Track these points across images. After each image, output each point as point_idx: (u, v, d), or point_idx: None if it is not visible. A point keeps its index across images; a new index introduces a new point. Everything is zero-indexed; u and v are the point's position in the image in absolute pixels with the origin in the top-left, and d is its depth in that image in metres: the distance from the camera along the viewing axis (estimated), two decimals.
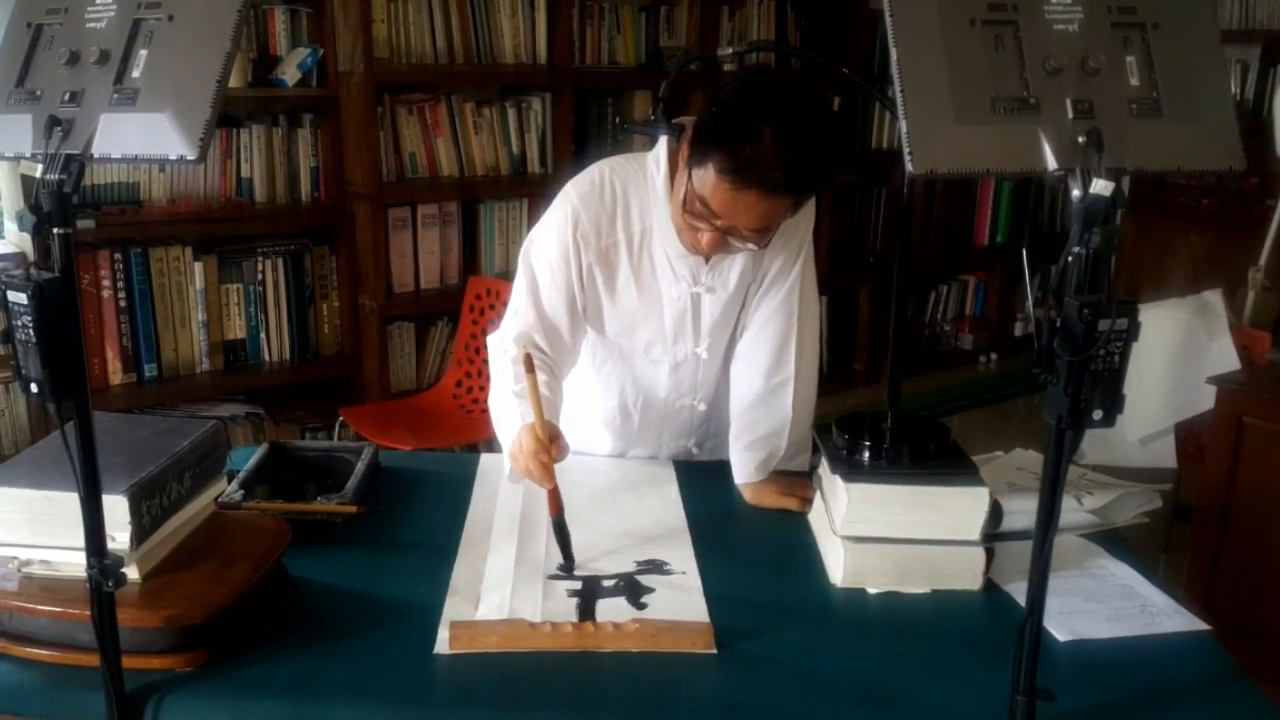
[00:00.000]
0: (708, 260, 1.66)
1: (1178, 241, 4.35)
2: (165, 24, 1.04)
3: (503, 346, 1.70)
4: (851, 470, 1.43)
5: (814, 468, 1.67)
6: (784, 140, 1.43)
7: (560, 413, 1.66)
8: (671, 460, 1.87)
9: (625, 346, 1.77)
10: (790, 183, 1.45)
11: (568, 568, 1.46)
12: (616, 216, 1.67)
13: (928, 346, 5.06)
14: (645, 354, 1.77)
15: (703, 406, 1.83)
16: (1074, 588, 1.42)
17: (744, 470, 1.72)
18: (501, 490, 1.69)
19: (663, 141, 1.64)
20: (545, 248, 1.69)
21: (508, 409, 1.61)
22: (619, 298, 1.71)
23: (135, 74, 1.03)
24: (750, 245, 1.55)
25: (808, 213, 1.68)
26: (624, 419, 1.84)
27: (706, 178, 1.47)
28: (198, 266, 3.28)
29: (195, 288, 3.29)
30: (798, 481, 1.70)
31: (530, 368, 1.45)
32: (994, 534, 1.43)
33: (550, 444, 1.48)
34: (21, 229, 1.01)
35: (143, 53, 1.04)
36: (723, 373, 1.80)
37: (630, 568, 1.46)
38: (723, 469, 1.76)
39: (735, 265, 1.69)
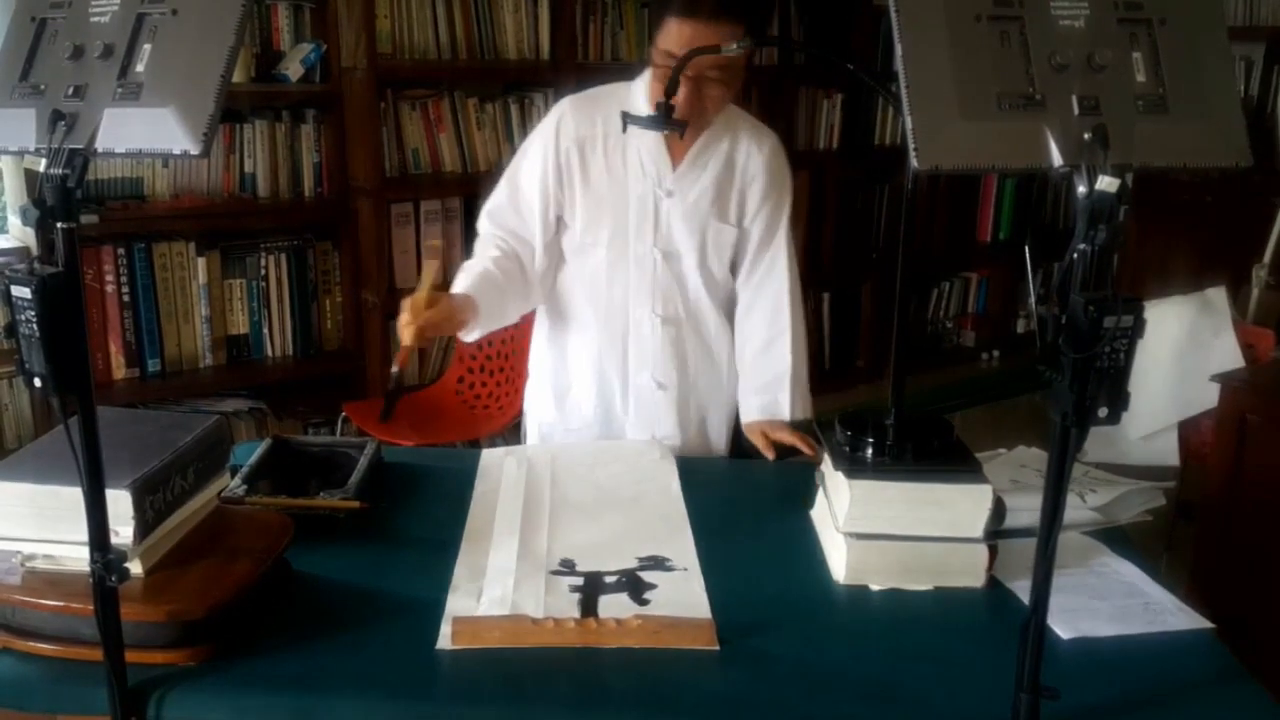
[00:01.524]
0: (682, 135, 1.80)
1: (1181, 238, 4.33)
2: (169, 18, 1.04)
3: (481, 225, 1.95)
4: (854, 467, 1.43)
5: (817, 464, 1.67)
6: None
7: (500, 286, 1.85)
8: (656, 439, 1.95)
9: (591, 243, 1.92)
10: (731, 3, 1.65)
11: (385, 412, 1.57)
12: (597, 115, 1.87)
13: (930, 343, 5.06)
14: (609, 248, 1.91)
15: (665, 324, 1.95)
16: (1077, 585, 1.42)
17: (750, 410, 1.96)
18: (504, 486, 1.69)
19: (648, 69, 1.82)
20: (532, 139, 1.92)
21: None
22: (591, 186, 1.89)
23: (139, 68, 1.03)
24: (719, 89, 1.74)
25: (784, 188, 1.94)
26: (599, 345, 1.97)
27: (666, 31, 1.69)
28: (201, 262, 3.28)
29: (198, 283, 3.29)
30: (781, 426, 1.91)
31: (434, 255, 1.69)
32: (997, 531, 1.43)
33: (434, 305, 1.67)
34: (25, 223, 1.01)
35: (147, 47, 1.04)
36: (687, 306, 1.95)
37: (632, 564, 1.46)
38: (724, 466, 1.76)
39: (697, 183, 1.88)
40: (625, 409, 2.00)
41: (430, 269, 1.66)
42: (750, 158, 1.90)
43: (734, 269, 1.99)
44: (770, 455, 1.87)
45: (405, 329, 1.66)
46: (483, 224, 1.96)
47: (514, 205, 1.92)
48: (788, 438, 1.88)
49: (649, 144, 1.85)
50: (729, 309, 2.01)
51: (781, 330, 1.95)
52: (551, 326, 2.04)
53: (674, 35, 1.68)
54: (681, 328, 1.96)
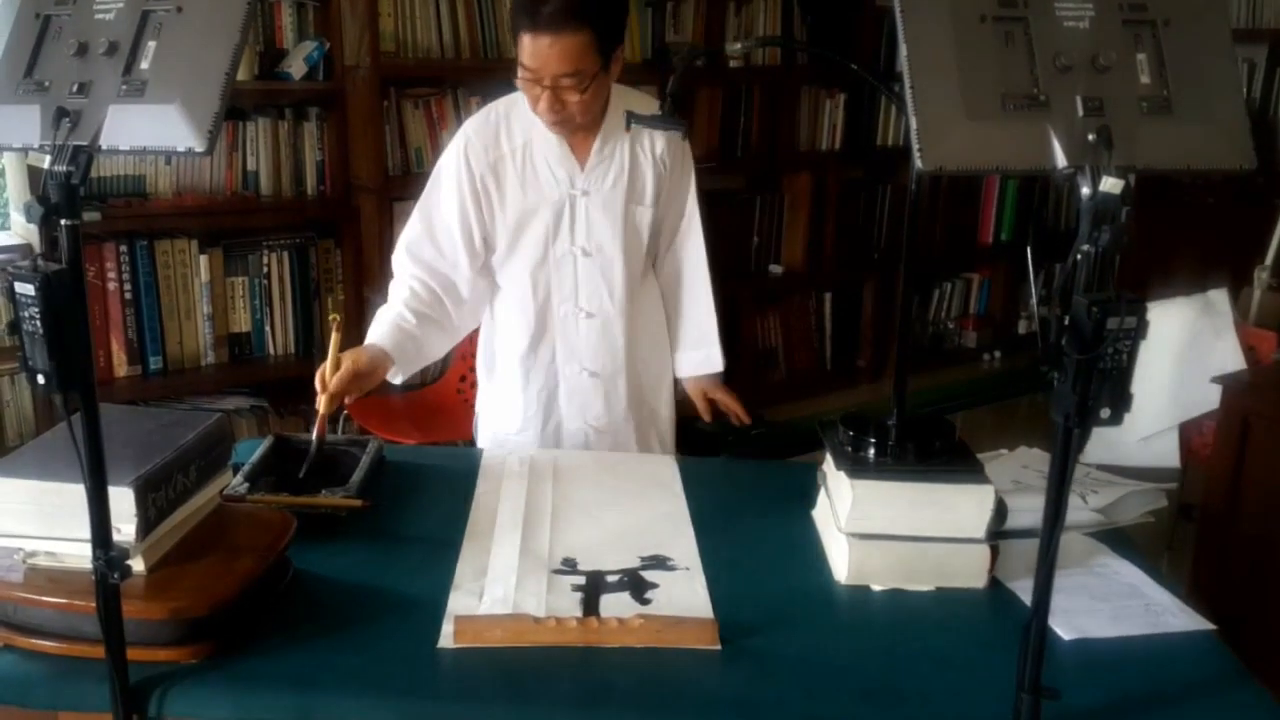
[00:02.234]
0: (557, 130, 1.84)
1: (1183, 240, 4.33)
2: (174, 15, 1.04)
3: (395, 257, 1.97)
4: (856, 467, 1.43)
5: (818, 463, 1.67)
6: None
7: (412, 332, 1.88)
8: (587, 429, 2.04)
9: (514, 254, 1.95)
10: (574, 12, 1.68)
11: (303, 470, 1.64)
12: (500, 134, 1.90)
13: (931, 344, 5.05)
14: (530, 254, 1.94)
15: (590, 318, 1.99)
16: (1078, 586, 1.42)
17: (688, 365, 2.09)
18: (505, 484, 1.69)
19: None
20: (441, 168, 1.94)
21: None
22: (508, 203, 1.92)
23: (144, 65, 1.03)
24: (573, 94, 1.75)
25: (686, 157, 1.99)
26: (528, 344, 2.01)
27: (520, 46, 1.72)
28: (203, 259, 3.28)
29: (200, 280, 3.29)
30: (720, 387, 2.08)
31: (337, 329, 1.71)
32: (999, 532, 1.43)
33: (342, 368, 1.71)
34: (29, 220, 1.01)
35: (151, 44, 1.04)
36: (608, 292, 1.97)
37: (634, 563, 1.46)
38: (726, 466, 1.76)
39: (608, 177, 1.92)
40: (556, 398, 2.03)
41: (335, 341, 1.71)
42: (651, 137, 1.93)
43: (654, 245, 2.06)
44: (708, 418, 2.05)
45: (320, 399, 1.69)
46: (399, 260, 1.95)
47: (432, 239, 1.93)
48: (727, 400, 2.04)
49: (555, 151, 1.88)
50: (658, 288, 2.10)
51: (703, 288, 2.05)
52: (485, 334, 2.08)
53: (526, 48, 1.71)
54: (609, 319, 1.99)
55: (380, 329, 1.86)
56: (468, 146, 1.90)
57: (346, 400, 1.72)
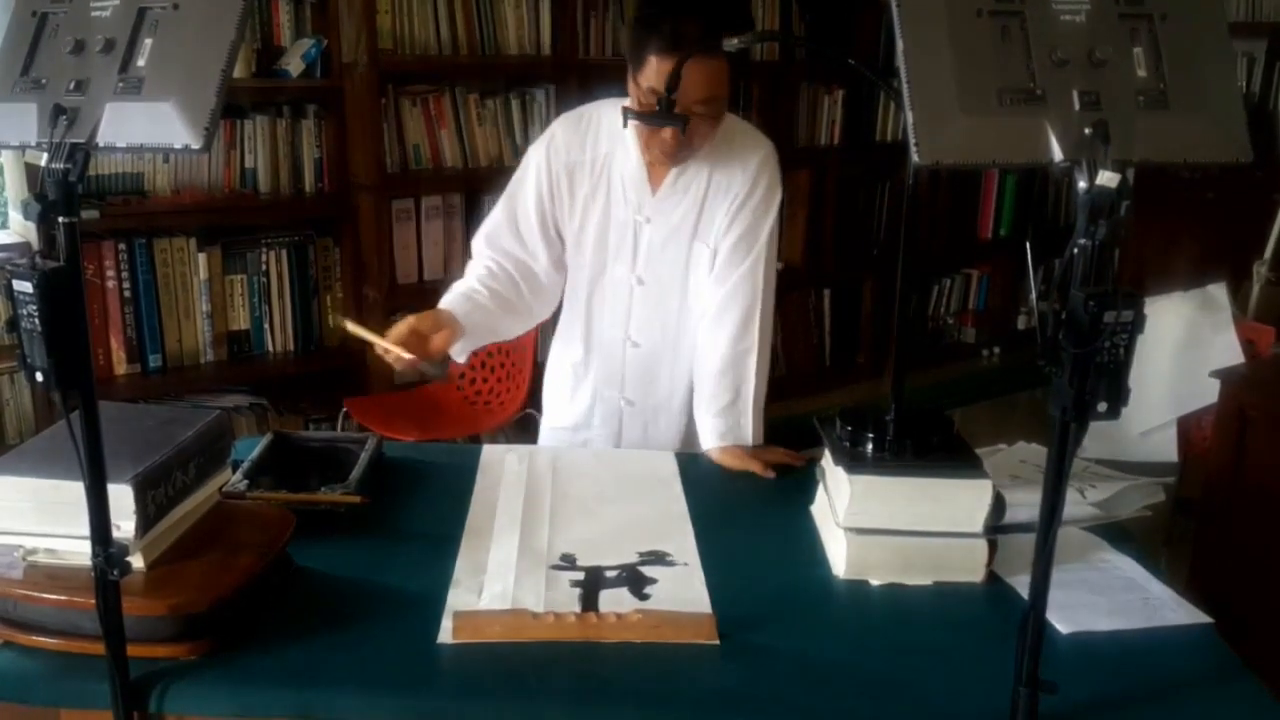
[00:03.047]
0: (670, 160, 1.77)
1: (1181, 234, 4.33)
2: (170, 13, 1.04)
3: (475, 245, 1.93)
4: (855, 462, 1.43)
5: (816, 459, 1.67)
6: (700, 6, 1.63)
7: (484, 305, 1.83)
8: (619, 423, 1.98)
9: (573, 265, 1.92)
10: (713, 34, 1.59)
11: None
12: (586, 138, 1.85)
13: (930, 340, 5.06)
14: (589, 271, 1.90)
15: (636, 348, 1.93)
16: (1076, 580, 1.42)
17: (711, 436, 1.85)
18: (505, 481, 1.69)
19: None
20: (528, 158, 1.90)
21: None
22: (577, 211, 1.87)
23: (140, 63, 1.03)
24: (706, 123, 1.69)
25: (769, 198, 1.82)
26: (578, 359, 1.97)
27: (649, 69, 1.64)
28: (202, 257, 3.28)
29: (199, 278, 3.29)
30: (764, 448, 1.83)
31: (351, 319, 1.67)
32: (997, 526, 1.43)
33: (422, 326, 1.68)
34: (27, 218, 1.02)
35: (148, 41, 1.04)
36: (661, 325, 1.91)
37: (633, 558, 1.46)
38: None
39: (677, 209, 1.83)
40: (592, 417, 2.00)
41: (359, 327, 1.68)
42: (737, 171, 1.81)
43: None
44: (771, 474, 1.75)
45: (394, 344, 1.65)
46: (478, 245, 1.93)
47: (512, 226, 1.90)
48: (777, 458, 1.79)
49: (631, 170, 1.82)
50: None
51: (749, 347, 1.84)
52: (553, 330, 2.05)
53: (655, 72, 1.63)
54: (657, 353, 1.93)
55: (450, 297, 1.82)
56: (551, 143, 1.86)
57: (406, 355, 1.65)
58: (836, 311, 4.68)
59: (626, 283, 1.89)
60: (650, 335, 1.92)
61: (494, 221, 1.92)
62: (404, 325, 1.68)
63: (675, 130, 1.66)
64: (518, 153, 3.70)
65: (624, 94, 1.78)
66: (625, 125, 1.75)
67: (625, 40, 1.64)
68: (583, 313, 1.94)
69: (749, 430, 1.84)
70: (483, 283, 1.86)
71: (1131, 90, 1.00)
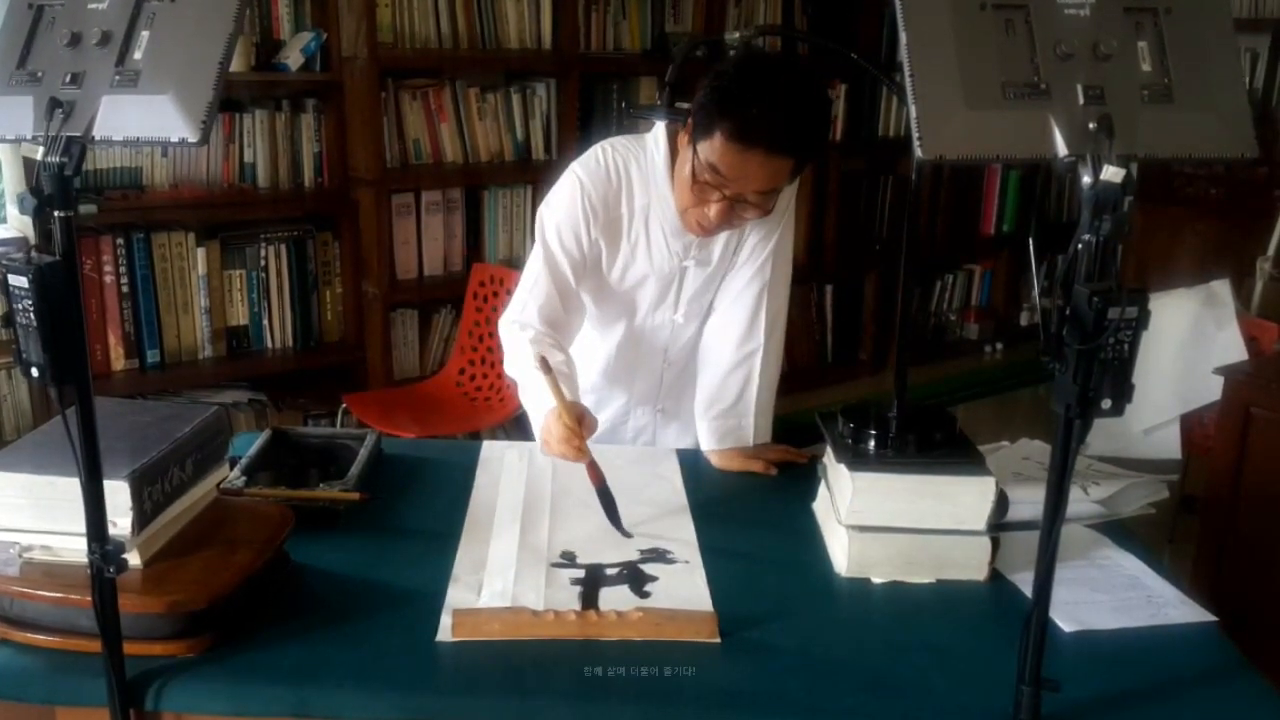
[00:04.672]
0: (702, 234, 1.71)
1: (1185, 231, 4.33)
2: (167, 6, 1.03)
3: (520, 320, 1.77)
4: (857, 459, 1.42)
5: (818, 456, 1.66)
6: (784, 103, 1.53)
7: (576, 383, 1.74)
8: (653, 424, 1.97)
9: (607, 305, 1.87)
10: (793, 141, 1.54)
11: (622, 532, 1.51)
12: (621, 193, 1.76)
13: (933, 336, 5.05)
14: (627, 314, 1.87)
15: (671, 366, 1.93)
16: (1080, 578, 1.42)
17: (711, 438, 1.82)
18: (504, 478, 1.69)
19: (660, 124, 1.71)
20: (557, 220, 1.77)
21: (532, 388, 1.69)
22: (616, 265, 1.81)
23: (137, 56, 1.03)
24: (755, 211, 1.62)
25: (789, 192, 1.74)
26: (610, 362, 1.93)
27: (713, 145, 1.54)
28: (200, 252, 3.27)
29: (198, 273, 3.28)
30: (765, 446, 1.82)
31: (546, 369, 1.54)
32: (1000, 524, 1.42)
33: (580, 424, 1.57)
34: (23, 212, 1.00)
35: (144, 34, 1.03)
36: (695, 339, 1.89)
37: (633, 556, 1.46)
38: None
39: (719, 239, 1.78)
40: (625, 427, 2.00)
41: (552, 382, 1.56)
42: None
43: None
44: (773, 471, 1.76)
45: (579, 456, 1.57)
46: (528, 317, 1.77)
47: (558, 300, 1.78)
48: (779, 455, 1.79)
49: (672, 222, 1.75)
50: None
51: (755, 349, 1.82)
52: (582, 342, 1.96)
53: (721, 154, 1.54)
54: (690, 364, 1.93)
55: (560, 383, 1.60)
56: (588, 200, 1.74)
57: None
58: (839, 307, 4.67)
59: (668, 324, 1.87)
60: (685, 354, 1.92)
61: (543, 294, 1.77)
62: (569, 434, 1.56)
63: (721, 208, 1.60)
64: (518, 147, 3.69)
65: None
66: (672, 183, 1.69)
67: (696, 101, 1.57)
68: (616, 342, 1.91)
69: (750, 432, 1.82)
70: (566, 365, 1.74)
71: (1136, 84, 0.99)
